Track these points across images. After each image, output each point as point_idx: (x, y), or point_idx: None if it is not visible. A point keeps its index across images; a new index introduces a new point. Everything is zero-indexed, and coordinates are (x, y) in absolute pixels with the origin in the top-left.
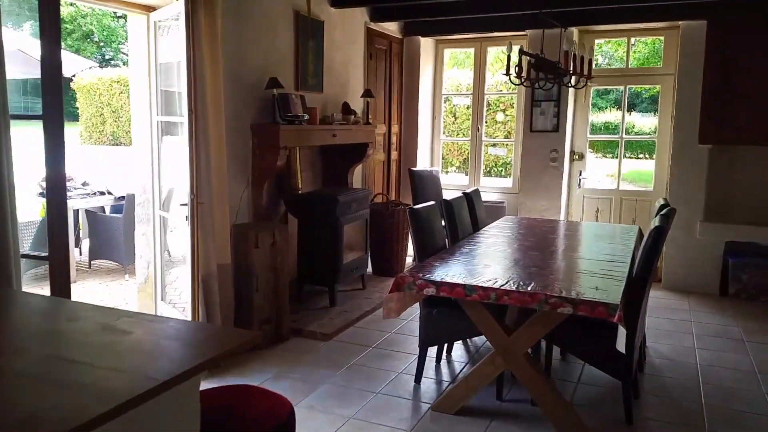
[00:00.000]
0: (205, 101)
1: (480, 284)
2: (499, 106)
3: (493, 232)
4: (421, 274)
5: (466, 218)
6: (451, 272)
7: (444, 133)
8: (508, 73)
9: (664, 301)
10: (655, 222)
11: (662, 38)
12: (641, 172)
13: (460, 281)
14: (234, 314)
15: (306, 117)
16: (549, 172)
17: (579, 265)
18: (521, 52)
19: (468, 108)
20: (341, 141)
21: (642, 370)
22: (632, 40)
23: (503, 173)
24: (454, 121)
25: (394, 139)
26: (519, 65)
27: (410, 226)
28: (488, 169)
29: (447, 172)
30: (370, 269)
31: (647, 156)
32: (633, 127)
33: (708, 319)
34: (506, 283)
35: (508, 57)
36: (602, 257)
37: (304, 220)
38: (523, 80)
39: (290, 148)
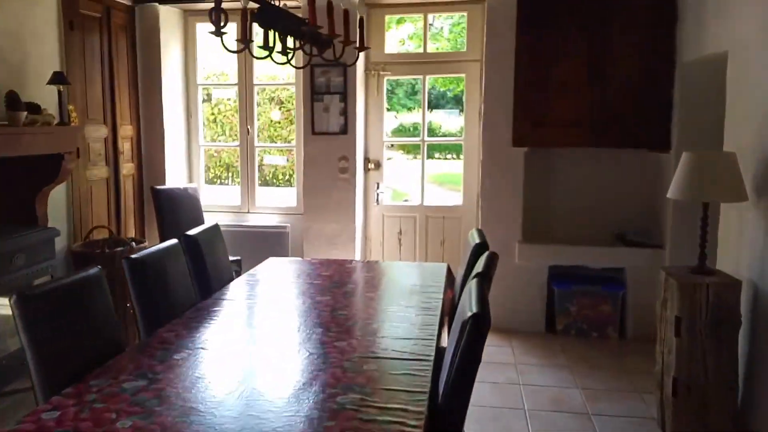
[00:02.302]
0: None
1: None
2: (278, 102)
3: (231, 301)
4: None
5: (182, 284)
6: None
7: (219, 135)
8: (218, 33)
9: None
10: (473, 299)
11: (465, 14)
12: (452, 175)
13: None
14: None
15: None
16: (339, 187)
17: (359, 384)
18: None
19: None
20: None
21: None
22: (430, 18)
23: (293, 183)
24: (233, 121)
25: (126, 145)
26: (244, 17)
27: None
28: (275, 177)
29: (236, 184)
30: None
31: (457, 157)
32: (440, 128)
33: (539, 375)
34: None
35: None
36: (398, 348)
37: None
38: (246, 46)
39: None
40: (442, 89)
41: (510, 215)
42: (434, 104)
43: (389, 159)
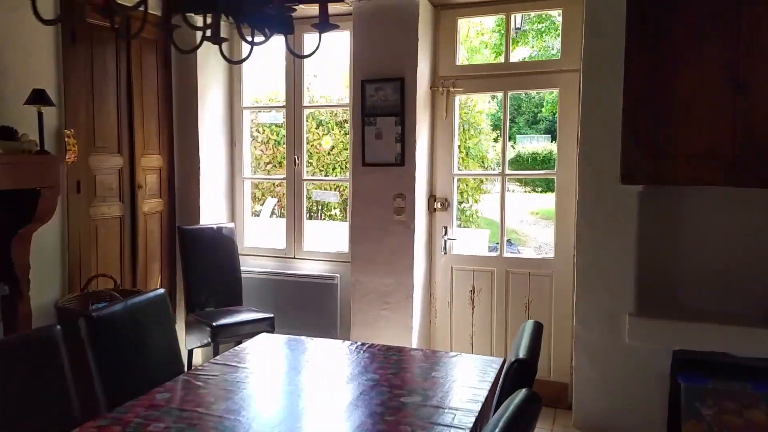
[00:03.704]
0: None
1: None
2: (329, 126)
3: (135, 425)
4: None
5: (55, 391)
6: None
7: (265, 166)
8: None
9: None
10: None
11: (559, 12)
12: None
13: None
14: None
15: None
16: (393, 231)
17: None
18: None
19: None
20: None
21: None
22: (516, 18)
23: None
24: (319, 150)
25: (149, 178)
26: None
27: None
28: (333, 212)
29: (327, 218)
30: None
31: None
32: (544, 153)
33: None
34: None
35: None
36: None
37: None
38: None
39: None
40: (537, 103)
41: (617, 277)
42: (545, 128)
43: (510, 191)
